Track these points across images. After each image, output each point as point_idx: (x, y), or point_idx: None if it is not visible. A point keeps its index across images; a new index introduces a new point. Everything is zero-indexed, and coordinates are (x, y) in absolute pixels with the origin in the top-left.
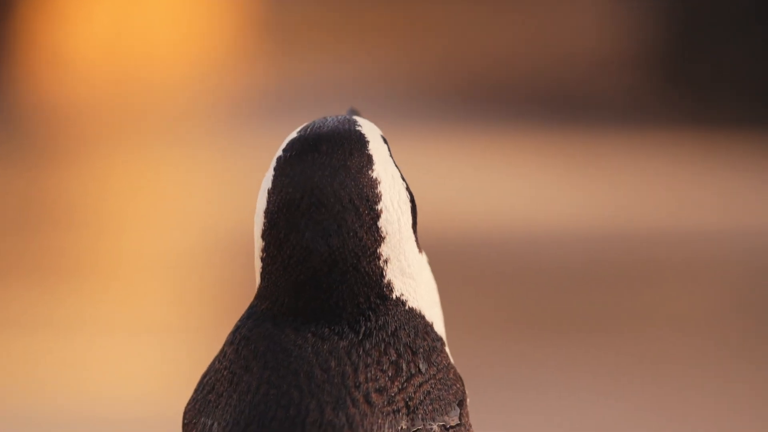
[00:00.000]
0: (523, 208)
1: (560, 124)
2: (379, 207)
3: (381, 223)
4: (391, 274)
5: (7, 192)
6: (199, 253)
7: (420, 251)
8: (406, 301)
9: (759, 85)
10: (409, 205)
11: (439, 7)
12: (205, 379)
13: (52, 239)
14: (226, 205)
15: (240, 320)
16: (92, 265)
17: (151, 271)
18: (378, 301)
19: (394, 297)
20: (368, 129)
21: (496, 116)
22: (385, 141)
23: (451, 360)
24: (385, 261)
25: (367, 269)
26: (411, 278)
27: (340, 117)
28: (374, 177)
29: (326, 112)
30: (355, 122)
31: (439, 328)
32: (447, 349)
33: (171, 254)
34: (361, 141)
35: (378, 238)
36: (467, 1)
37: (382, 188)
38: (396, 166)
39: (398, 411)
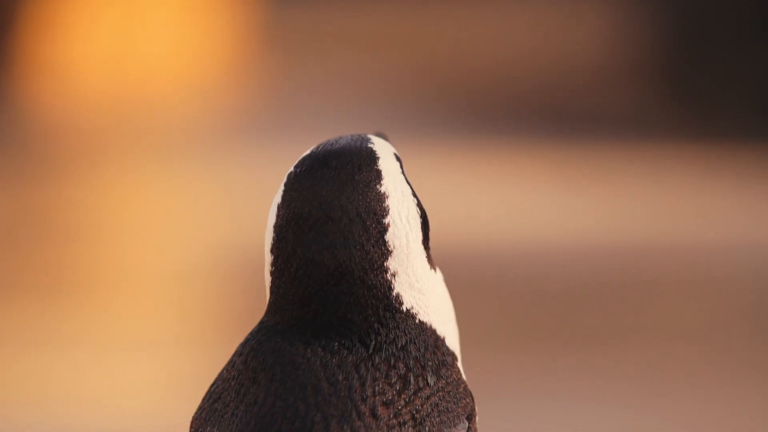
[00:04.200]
0: (527, 223)
1: (564, 137)
2: (386, 221)
3: (388, 236)
4: (400, 287)
5: (7, 207)
6: (200, 268)
7: (433, 268)
8: (417, 314)
9: (763, 98)
10: (419, 220)
11: (441, 20)
12: (213, 388)
13: (52, 255)
14: (228, 220)
15: (250, 333)
16: (93, 281)
17: (152, 286)
18: (387, 314)
19: (404, 310)
20: (380, 146)
21: (500, 130)
22: (398, 158)
23: (464, 376)
24: (393, 275)
25: (374, 282)
26: (420, 293)
27: (353, 135)
28: (382, 191)
29: (328, 127)
30: (367, 140)
31: (452, 343)
32: (460, 365)
33: (172, 269)
34: (371, 156)
35: (385, 252)
36: (470, 14)
37: (390, 202)
38: (408, 182)
39: (404, 423)
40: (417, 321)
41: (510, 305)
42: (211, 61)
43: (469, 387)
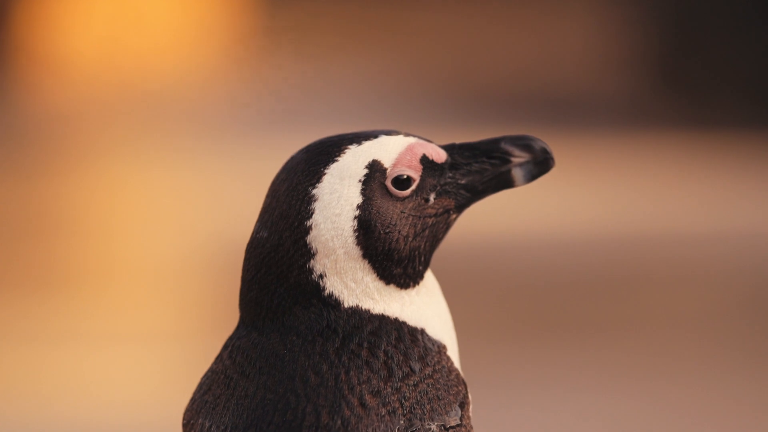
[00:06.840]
0: (522, 213)
1: (558, 127)
2: (308, 223)
3: (309, 239)
4: (332, 288)
5: (1, 201)
6: (192, 261)
7: (394, 283)
8: (369, 309)
9: (755, 86)
10: (352, 231)
11: (438, 12)
12: (203, 380)
13: (43, 248)
14: (221, 212)
15: (235, 330)
16: (84, 274)
17: (144, 278)
18: (329, 308)
19: (346, 307)
20: (363, 148)
21: (493, 119)
22: (373, 167)
23: (457, 365)
24: (321, 276)
25: (298, 280)
26: (367, 297)
27: (366, 131)
28: (312, 194)
29: (322, 118)
30: (359, 138)
31: (436, 333)
32: (453, 355)
33: (164, 262)
34: (327, 157)
35: (306, 253)
36: (467, 5)
37: (317, 206)
38: (366, 195)
39: (394, 412)
40: (372, 313)
41: (506, 295)
42: (205, 56)
43: (465, 376)
